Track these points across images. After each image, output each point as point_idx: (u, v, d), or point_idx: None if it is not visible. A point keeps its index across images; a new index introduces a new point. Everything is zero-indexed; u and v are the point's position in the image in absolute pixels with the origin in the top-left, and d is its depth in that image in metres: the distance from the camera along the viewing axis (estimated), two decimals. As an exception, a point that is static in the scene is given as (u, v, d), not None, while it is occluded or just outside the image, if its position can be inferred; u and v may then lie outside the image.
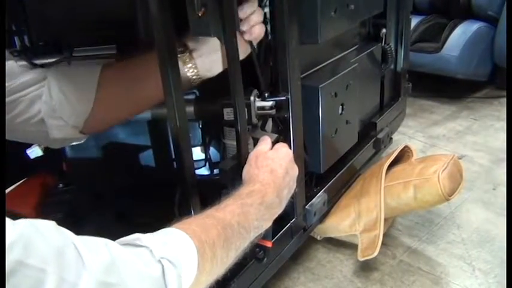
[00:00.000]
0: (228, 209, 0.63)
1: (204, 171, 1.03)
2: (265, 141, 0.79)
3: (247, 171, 0.75)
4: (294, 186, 0.80)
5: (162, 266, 0.47)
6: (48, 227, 0.41)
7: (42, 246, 0.38)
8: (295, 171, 0.80)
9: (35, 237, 0.38)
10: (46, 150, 1.04)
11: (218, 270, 0.58)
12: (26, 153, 1.05)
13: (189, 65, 0.76)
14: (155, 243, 0.49)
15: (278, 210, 0.74)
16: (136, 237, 0.49)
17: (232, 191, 0.69)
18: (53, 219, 0.43)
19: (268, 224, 0.71)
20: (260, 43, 0.85)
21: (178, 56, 0.73)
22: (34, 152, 1.02)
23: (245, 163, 0.77)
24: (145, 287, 0.45)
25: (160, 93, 0.66)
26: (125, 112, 0.82)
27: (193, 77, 0.77)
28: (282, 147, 0.79)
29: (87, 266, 0.40)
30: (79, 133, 0.79)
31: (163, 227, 0.54)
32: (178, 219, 0.57)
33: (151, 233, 0.51)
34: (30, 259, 0.37)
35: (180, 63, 0.74)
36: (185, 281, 0.50)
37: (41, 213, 1.00)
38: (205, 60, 0.77)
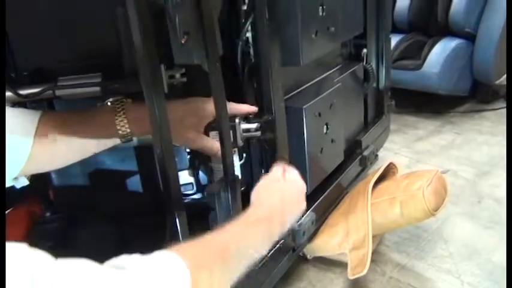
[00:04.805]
0: (230, 233, 0.61)
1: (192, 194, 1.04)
2: (278, 167, 0.80)
3: (257, 192, 0.74)
4: (297, 217, 0.79)
5: None
6: (20, 249, 0.40)
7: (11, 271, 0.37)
8: (303, 205, 0.79)
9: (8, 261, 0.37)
10: (32, 179, 1.03)
11: None
12: (12, 183, 1.04)
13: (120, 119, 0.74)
14: (141, 265, 0.47)
15: (277, 238, 0.72)
16: (122, 259, 0.48)
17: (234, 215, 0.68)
18: (42, 248, 0.42)
19: (265, 249, 0.69)
20: (243, 66, 0.87)
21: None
22: (20, 181, 1.02)
23: (233, 186, 0.77)
24: None
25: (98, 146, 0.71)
26: (60, 162, 0.79)
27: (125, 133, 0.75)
28: (297, 177, 0.80)
29: None
30: (13, 180, 0.76)
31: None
32: (170, 243, 0.56)
33: (139, 255, 0.49)
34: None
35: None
36: None
37: (30, 242, 0.99)
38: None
